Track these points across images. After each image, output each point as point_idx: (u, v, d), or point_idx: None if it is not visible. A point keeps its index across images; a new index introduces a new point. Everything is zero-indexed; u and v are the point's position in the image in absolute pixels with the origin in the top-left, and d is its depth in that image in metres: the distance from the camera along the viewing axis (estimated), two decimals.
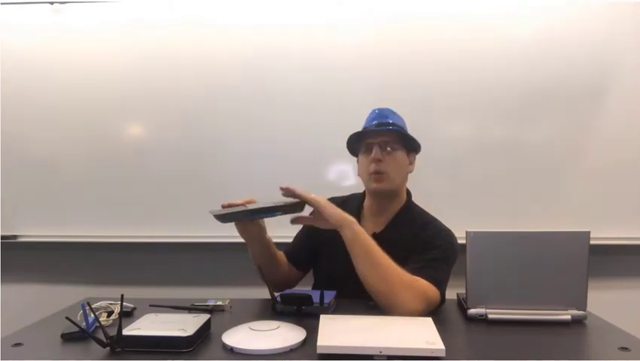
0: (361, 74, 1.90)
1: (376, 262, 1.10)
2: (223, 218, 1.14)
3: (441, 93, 1.89)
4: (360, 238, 1.13)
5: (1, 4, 1.97)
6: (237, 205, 1.16)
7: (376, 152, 1.26)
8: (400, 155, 1.30)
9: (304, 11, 1.92)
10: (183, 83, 1.95)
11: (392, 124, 1.30)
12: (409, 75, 1.89)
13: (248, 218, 1.18)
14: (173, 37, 1.95)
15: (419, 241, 1.24)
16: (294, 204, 1.14)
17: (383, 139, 1.28)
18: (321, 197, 1.16)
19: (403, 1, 1.89)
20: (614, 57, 1.86)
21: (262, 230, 1.25)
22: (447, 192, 1.89)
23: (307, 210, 1.18)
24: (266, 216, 1.18)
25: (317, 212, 1.15)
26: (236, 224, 1.22)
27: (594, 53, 1.85)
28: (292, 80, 1.93)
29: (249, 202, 1.17)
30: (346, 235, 1.13)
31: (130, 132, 2.02)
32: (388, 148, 1.27)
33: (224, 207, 1.16)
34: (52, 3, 1.97)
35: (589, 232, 1.06)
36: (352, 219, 1.15)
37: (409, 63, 1.89)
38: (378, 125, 1.29)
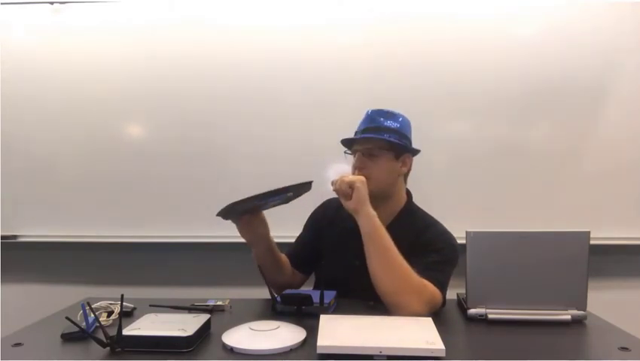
0: (362, 74, 1.90)
1: (389, 259, 1.11)
2: (228, 214, 1.12)
3: (441, 94, 1.89)
4: (378, 232, 1.13)
5: (1, 4, 1.97)
6: None
7: (356, 159, 1.28)
8: (385, 159, 1.28)
9: (304, 11, 1.91)
10: (183, 83, 1.95)
11: (378, 128, 1.29)
12: (410, 75, 1.89)
13: (261, 203, 1.14)
14: (173, 37, 1.95)
15: (419, 243, 1.23)
16: (303, 183, 1.15)
17: (365, 146, 1.28)
18: (361, 180, 1.17)
19: (403, 1, 1.89)
20: (614, 57, 1.86)
21: (265, 226, 1.25)
22: (447, 193, 1.89)
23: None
24: (277, 199, 1.16)
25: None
26: (239, 225, 1.21)
27: (594, 53, 1.85)
28: (292, 81, 1.93)
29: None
30: (362, 225, 1.15)
31: (130, 132, 2.02)
32: (375, 152, 1.27)
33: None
34: (52, 3, 1.97)
35: (589, 232, 1.06)
36: (371, 212, 1.15)
37: (410, 63, 1.89)
38: (364, 130, 1.30)
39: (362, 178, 1.17)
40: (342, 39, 1.91)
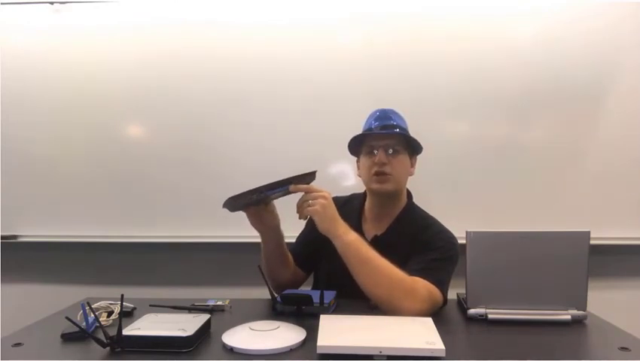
0: (361, 74, 1.90)
1: (372, 269, 1.09)
2: (233, 205, 1.12)
3: (441, 94, 1.89)
4: (351, 248, 1.11)
5: (1, 4, 1.97)
6: None
7: (380, 155, 1.24)
8: (404, 158, 1.28)
9: (303, 12, 1.91)
10: (184, 84, 1.95)
11: (396, 126, 1.28)
12: (410, 75, 1.89)
13: (262, 196, 1.12)
14: (173, 37, 1.95)
15: (419, 242, 1.24)
16: (306, 174, 1.12)
17: (387, 142, 1.26)
18: (316, 207, 1.10)
19: (402, 1, 1.89)
20: (614, 57, 1.86)
21: (276, 218, 1.24)
22: (447, 193, 1.89)
23: None
24: (281, 191, 1.13)
25: None
26: (249, 215, 1.20)
27: (594, 53, 1.85)
28: (292, 81, 1.92)
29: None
30: (337, 245, 1.12)
31: (130, 132, 2.02)
32: (390, 150, 1.26)
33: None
34: (52, 3, 1.97)
35: (589, 232, 1.06)
36: (338, 232, 1.11)
37: (410, 63, 1.89)
38: (382, 127, 1.28)
39: (326, 194, 1.12)
40: (342, 39, 1.91)
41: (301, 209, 1.12)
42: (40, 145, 2.00)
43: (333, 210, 1.13)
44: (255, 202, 1.17)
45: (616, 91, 1.86)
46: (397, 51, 1.89)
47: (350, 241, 1.11)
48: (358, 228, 1.32)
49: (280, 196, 1.17)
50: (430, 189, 1.80)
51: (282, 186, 1.11)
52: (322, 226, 1.12)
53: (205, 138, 1.96)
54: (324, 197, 1.12)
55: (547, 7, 1.85)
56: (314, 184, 1.16)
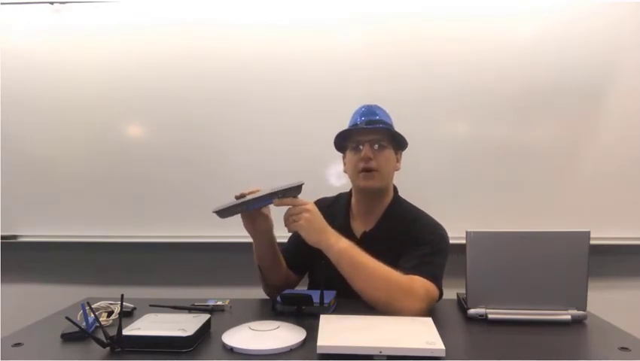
0: (361, 74, 1.90)
1: (368, 274, 1.10)
2: (222, 213, 1.14)
3: (441, 94, 1.89)
4: (344, 255, 1.11)
5: (1, 4, 1.97)
6: (247, 194, 1.15)
7: (366, 150, 1.25)
8: (389, 153, 1.29)
9: (303, 12, 1.91)
10: (183, 83, 1.95)
11: (382, 121, 1.29)
12: (410, 76, 1.89)
13: (248, 208, 1.15)
14: (173, 37, 1.95)
15: (409, 237, 1.24)
16: (292, 187, 1.12)
17: (373, 137, 1.27)
18: (301, 222, 1.10)
19: (402, 1, 1.89)
20: (614, 57, 1.86)
21: (269, 221, 1.24)
22: (447, 193, 1.89)
23: None
24: (266, 203, 1.15)
25: None
26: (243, 218, 1.21)
27: (594, 53, 1.85)
28: (292, 81, 1.93)
29: (255, 192, 1.16)
30: (330, 255, 1.12)
31: (130, 132, 2.02)
32: (376, 146, 1.26)
33: (237, 198, 1.16)
34: (52, 3, 1.97)
35: (589, 232, 1.06)
36: (330, 242, 1.11)
37: (410, 64, 1.89)
38: (368, 122, 1.28)
39: (310, 207, 1.11)
40: (340, 40, 1.91)
41: (288, 223, 1.13)
42: (40, 145, 2.00)
43: (319, 221, 1.12)
44: (242, 211, 1.19)
45: (616, 91, 1.86)
46: (397, 51, 1.89)
47: (342, 249, 1.11)
48: (346, 226, 1.33)
49: (267, 204, 1.18)
50: (430, 189, 1.81)
51: (267, 200, 1.13)
52: (311, 239, 1.12)
53: (205, 138, 1.96)
54: (307, 210, 1.11)
55: (547, 7, 1.85)
56: (302, 195, 1.15)
